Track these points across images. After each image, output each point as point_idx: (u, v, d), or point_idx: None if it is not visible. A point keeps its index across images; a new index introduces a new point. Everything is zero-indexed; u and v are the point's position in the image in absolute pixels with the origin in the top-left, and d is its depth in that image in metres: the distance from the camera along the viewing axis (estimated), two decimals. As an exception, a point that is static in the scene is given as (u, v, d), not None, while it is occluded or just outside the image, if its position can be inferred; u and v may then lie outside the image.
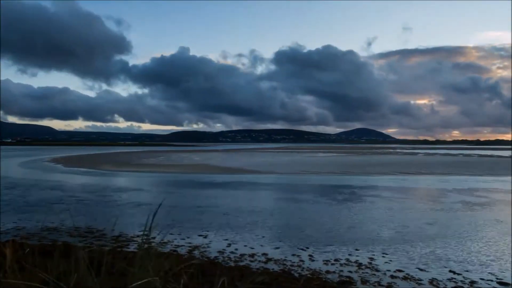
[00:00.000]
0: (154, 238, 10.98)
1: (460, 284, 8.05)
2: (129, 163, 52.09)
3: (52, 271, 3.27)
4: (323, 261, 9.54)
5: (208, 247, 10.72)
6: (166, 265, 3.14)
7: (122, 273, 3.06)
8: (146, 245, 2.91)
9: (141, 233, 3.18)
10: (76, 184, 26.98)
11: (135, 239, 11.17)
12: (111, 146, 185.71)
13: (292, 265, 9.15)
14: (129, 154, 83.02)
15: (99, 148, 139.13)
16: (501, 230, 13.18)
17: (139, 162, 54.44)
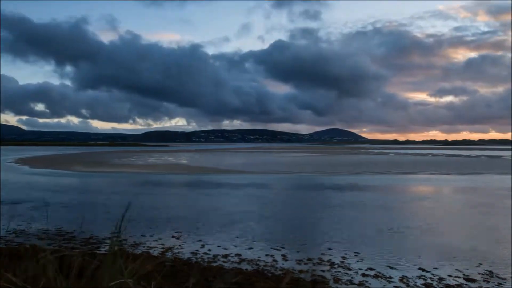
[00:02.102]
0: (126, 240, 10.83)
1: (429, 281, 8.24)
2: (100, 163, 51.20)
3: (20, 274, 3.18)
4: (296, 260, 9.60)
5: (181, 248, 10.63)
6: (138, 266, 3.10)
7: (92, 276, 3.00)
8: (117, 247, 2.86)
9: (112, 235, 3.13)
10: (44, 185, 26.31)
11: (106, 241, 10.97)
12: (81, 147, 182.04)
13: (265, 265, 9.17)
14: (100, 155, 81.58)
15: (68, 148, 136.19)
16: (465, 227, 13.56)
17: (110, 162, 53.57)
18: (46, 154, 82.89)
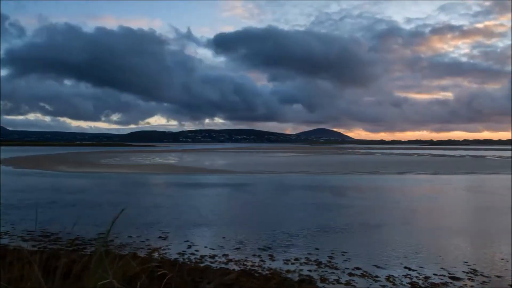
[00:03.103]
0: (112, 241, 10.74)
1: (415, 279, 8.32)
2: (85, 163, 50.72)
3: (4, 275, 3.14)
4: (283, 260, 9.62)
5: (168, 249, 10.58)
6: (124, 267, 3.08)
7: (77, 277, 2.97)
8: (103, 248, 2.84)
9: (98, 236, 3.10)
10: (29, 186, 25.97)
11: (92, 242, 10.87)
12: (66, 147, 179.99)
13: (252, 265, 9.18)
14: (85, 155, 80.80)
15: (53, 149, 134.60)
16: (451, 226, 13.73)
17: (96, 162, 53.10)
18: (30, 154, 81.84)
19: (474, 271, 8.83)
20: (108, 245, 9.78)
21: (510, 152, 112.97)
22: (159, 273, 6.66)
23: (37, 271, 2.79)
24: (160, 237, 11.86)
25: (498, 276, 8.56)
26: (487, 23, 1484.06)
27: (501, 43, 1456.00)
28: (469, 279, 8.39)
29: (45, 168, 41.58)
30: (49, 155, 77.47)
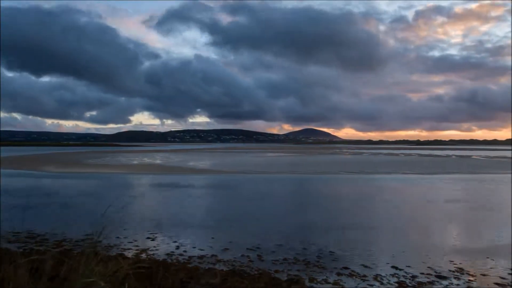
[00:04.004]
0: (100, 242, 10.65)
1: (402, 279, 8.40)
2: (73, 164, 50.23)
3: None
4: (272, 260, 9.64)
5: (156, 249, 10.54)
6: (112, 268, 3.06)
7: (64, 278, 2.95)
8: (90, 249, 2.82)
9: (86, 237, 3.08)
10: (15, 187, 25.64)
11: (79, 243, 10.78)
12: (53, 147, 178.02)
13: (241, 266, 9.18)
14: (73, 155, 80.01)
15: (40, 149, 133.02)
16: (436, 225, 13.88)
17: (84, 162, 52.62)
18: (16, 154, 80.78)
19: (460, 270, 8.94)
20: (95, 245, 9.71)
21: (497, 152, 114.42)
22: (147, 274, 6.63)
23: (23, 273, 2.76)
24: (148, 237, 11.81)
25: (483, 275, 8.68)
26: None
27: (498, 31, 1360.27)
28: (455, 277, 8.49)
29: (31, 168, 41.08)
30: (36, 155, 76.56)
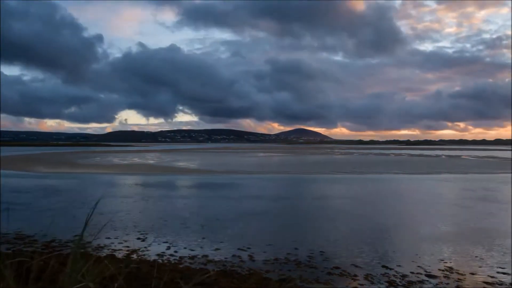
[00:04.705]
0: (89, 242, 10.56)
1: (392, 278, 8.43)
2: (63, 164, 49.83)
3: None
4: (263, 260, 9.63)
5: (147, 250, 10.48)
6: (101, 269, 3.03)
7: (52, 280, 2.91)
8: (80, 249, 2.78)
9: (75, 238, 3.04)
10: (3, 187, 25.36)
11: (69, 244, 10.68)
12: (42, 147, 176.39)
13: (232, 266, 9.16)
14: (63, 155, 79.34)
15: (29, 149, 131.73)
16: (425, 224, 13.96)
17: (75, 163, 52.22)
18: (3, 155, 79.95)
19: (450, 269, 9.01)
20: (84, 246, 9.64)
21: (486, 152, 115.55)
22: (137, 274, 6.59)
23: (10, 274, 2.72)
24: (139, 238, 11.74)
25: (472, 274, 8.75)
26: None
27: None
28: (444, 276, 8.54)
29: (19, 168, 40.67)
30: (24, 156, 75.83)
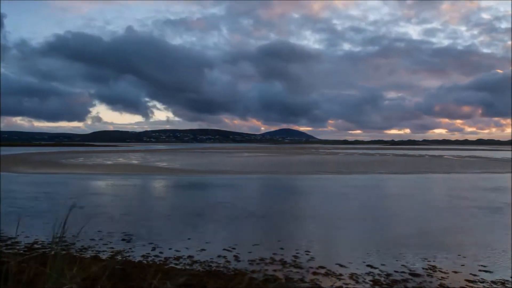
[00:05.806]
0: (73, 244, 10.44)
1: (377, 277, 8.50)
2: (46, 164, 49.14)
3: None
4: (249, 260, 9.63)
5: (131, 251, 10.39)
6: (84, 270, 2.99)
7: (31, 281, 2.87)
8: (62, 251, 2.74)
9: (58, 239, 3.00)
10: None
11: (52, 245, 10.52)
12: (24, 147, 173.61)
13: (218, 266, 9.14)
14: (46, 155, 78.21)
15: (11, 149, 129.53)
16: (408, 223, 14.12)
17: (58, 163, 51.53)
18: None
19: (433, 268, 9.11)
20: (67, 247, 9.52)
21: (468, 152, 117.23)
22: (122, 275, 6.53)
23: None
24: (123, 239, 11.64)
25: (455, 272, 8.86)
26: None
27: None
28: (428, 275, 8.64)
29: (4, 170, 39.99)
30: (5, 156, 74.57)
